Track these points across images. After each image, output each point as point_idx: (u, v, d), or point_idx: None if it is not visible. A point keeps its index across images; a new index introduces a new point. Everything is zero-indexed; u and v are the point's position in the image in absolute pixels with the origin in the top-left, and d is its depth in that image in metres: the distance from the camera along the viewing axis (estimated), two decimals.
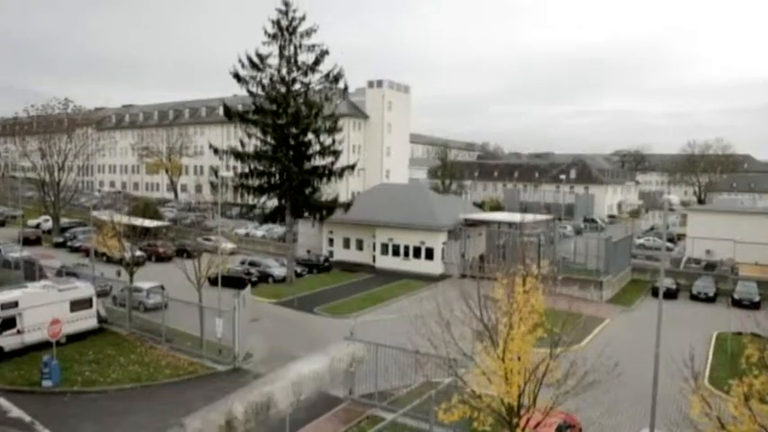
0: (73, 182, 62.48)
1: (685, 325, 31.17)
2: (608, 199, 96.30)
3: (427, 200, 48.71)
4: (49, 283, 27.67)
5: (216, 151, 40.50)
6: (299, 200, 40.07)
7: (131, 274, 29.77)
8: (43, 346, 23.05)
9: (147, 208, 60.93)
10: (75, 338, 25.59)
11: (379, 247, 46.71)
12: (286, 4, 38.05)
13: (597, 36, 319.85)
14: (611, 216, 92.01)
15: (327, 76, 39.13)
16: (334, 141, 40.50)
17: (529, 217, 49.74)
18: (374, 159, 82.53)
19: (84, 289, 27.15)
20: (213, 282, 30.15)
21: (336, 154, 40.67)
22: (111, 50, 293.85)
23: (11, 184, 70.82)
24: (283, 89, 38.64)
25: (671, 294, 37.76)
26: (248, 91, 39.28)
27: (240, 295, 25.06)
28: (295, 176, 38.85)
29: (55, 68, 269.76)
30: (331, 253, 49.35)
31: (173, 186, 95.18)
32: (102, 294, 31.10)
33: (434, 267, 44.10)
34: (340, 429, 18.85)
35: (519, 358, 11.47)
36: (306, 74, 39.01)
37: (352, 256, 48.50)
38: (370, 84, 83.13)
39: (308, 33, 38.29)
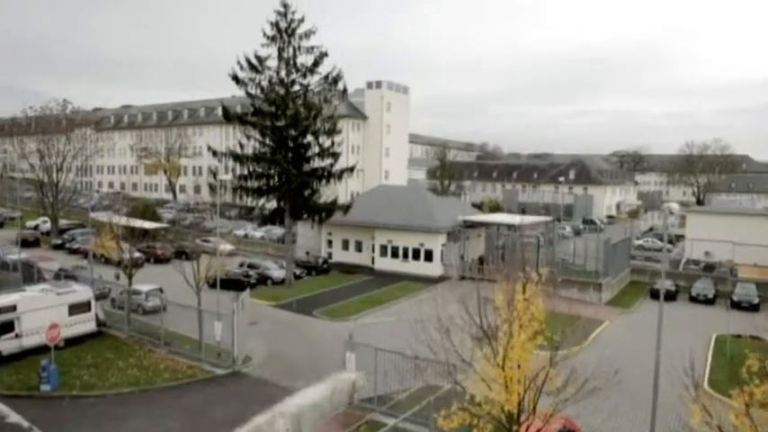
0: (71, 183, 62.37)
1: (684, 327, 31.17)
2: (607, 199, 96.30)
3: (426, 202, 48.69)
4: (47, 286, 27.56)
5: (215, 153, 40.41)
6: (298, 202, 40.01)
7: (130, 277, 29.70)
8: (41, 349, 22.95)
9: (146, 209, 60.92)
10: (73, 342, 25.52)
11: (378, 249, 46.68)
12: (285, 6, 38.00)
13: (597, 36, 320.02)
14: (610, 217, 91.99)
15: (326, 77, 39.07)
16: (333, 143, 40.44)
17: (528, 219, 49.87)
18: (373, 160, 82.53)
19: (82, 292, 27.08)
20: (212, 284, 30.09)
21: (336, 156, 40.61)
22: (111, 50, 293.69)
23: (9, 184, 70.60)
24: (282, 91, 38.57)
25: (670, 296, 37.75)
26: (247, 93, 39.21)
27: (239, 298, 25.01)
28: (294, 179, 38.80)
29: (55, 68, 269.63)
30: (330, 254, 49.30)
31: (171, 187, 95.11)
32: (100, 297, 31.07)
33: (434, 269, 44.06)
34: None
35: (519, 366, 11.44)
36: (305, 76, 38.95)
37: (351, 257, 48.46)
38: (369, 85, 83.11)
39: (307, 35, 38.24)
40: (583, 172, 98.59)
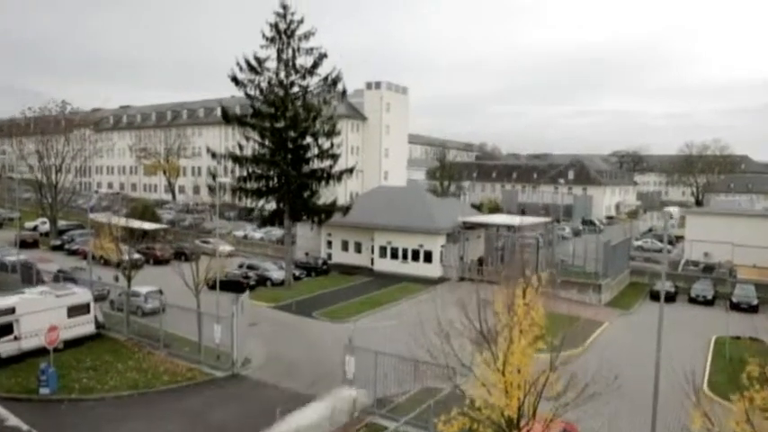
0: (70, 184, 62.30)
1: (684, 329, 31.17)
2: (606, 200, 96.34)
3: (426, 203, 48.67)
4: (46, 288, 27.52)
5: (214, 155, 40.37)
6: (297, 203, 39.96)
7: (129, 279, 29.64)
8: (40, 352, 22.87)
9: (146, 210, 60.85)
10: (72, 344, 25.45)
11: (377, 250, 46.65)
12: (284, 8, 37.91)
13: (597, 36, 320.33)
14: (609, 217, 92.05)
15: (326, 79, 39.00)
16: (332, 145, 40.38)
17: (527, 220, 49.87)
18: (372, 161, 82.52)
19: (81, 294, 27.03)
20: (212, 285, 30.01)
21: (335, 157, 40.55)
22: (111, 50, 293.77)
23: (8, 185, 70.50)
24: (281, 92, 38.50)
25: (669, 297, 37.72)
26: (246, 94, 39.14)
27: (238, 301, 24.97)
28: (293, 180, 38.75)
29: (55, 68, 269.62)
30: (329, 255, 49.27)
31: (170, 187, 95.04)
32: (99, 299, 31.02)
33: (433, 270, 44.04)
34: None
35: (519, 371, 11.43)
36: (304, 77, 38.88)
37: (350, 258, 48.44)
38: (369, 85, 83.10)
39: (307, 36, 38.17)
40: (582, 172, 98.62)
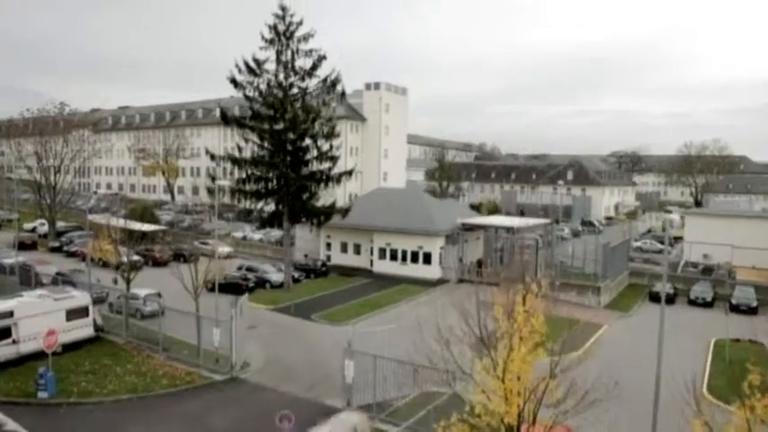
0: (69, 185, 62.17)
1: (683, 331, 31.16)
2: (605, 200, 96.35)
3: (425, 204, 48.63)
4: (44, 291, 27.44)
5: (213, 157, 40.31)
6: (296, 205, 39.90)
7: (128, 282, 29.56)
8: (39, 355, 22.81)
9: (145, 211, 60.76)
10: (71, 348, 25.38)
11: (376, 252, 46.61)
12: (283, 9, 37.85)
13: (597, 36, 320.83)
14: (608, 218, 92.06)
15: (325, 81, 38.95)
16: (331, 147, 40.34)
17: (526, 221, 49.89)
18: (371, 161, 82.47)
19: (80, 298, 26.94)
20: (211, 287, 29.92)
21: (334, 159, 40.49)
22: (111, 50, 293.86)
23: (7, 186, 70.35)
24: (280, 94, 38.43)
25: (669, 299, 37.65)
26: (245, 96, 39.09)
27: (237, 304, 24.89)
28: (292, 182, 38.68)
29: (55, 68, 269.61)
30: (328, 257, 49.22)
31: (169, 188, 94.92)
32: (98, 301, 30.91)
33: (432, 272, 44.01)
34: None
35: (519, 378, 11.39)
36: (303, 79, 38.82)
37: (349, 260, 48.39)
38: (368, 86, 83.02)
39: (306, 38, 38.10)
40: (581, 173, 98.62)
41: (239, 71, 37.98)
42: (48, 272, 37.20)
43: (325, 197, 41.98)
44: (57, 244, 53.68)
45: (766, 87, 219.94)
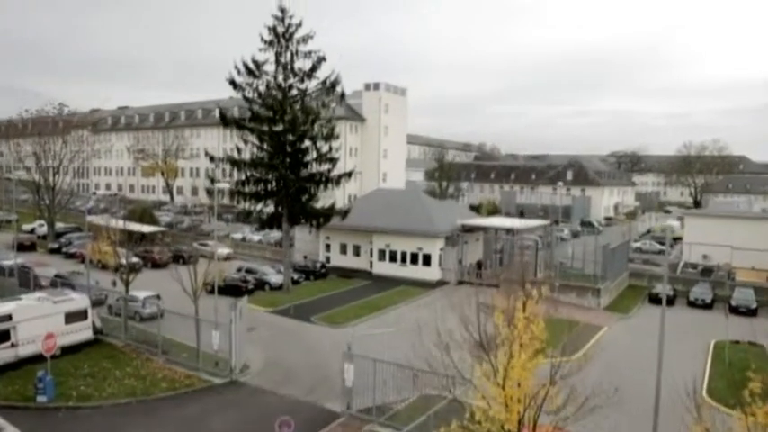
0: (68, 185, 62.07)
1: (683, 333, 31.15)
2: (604, 201, 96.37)
3: (424, 206, 48.59)
4: (43, 294, 27.36)
5: (212, 159, 40.27)
6: (295, 207, 39.84)
7: (127, 284, 29.51)
8: (38, 359, 22.73)
9: (144, 213, 60.70)
10: (70, 351, 25.29)
11: (376, 253, 46.57)
12: (282, 11, 37.79)
13: (597, 36, 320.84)
14: (608, 218, 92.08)
15: (324, 82, 38.90)
16: (331, 149, 40.28)
17: (525, 223, 49.89)
18: (371, 162, 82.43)
19: (79, 300, 26.88)
20: (210, 289, 29.87)
21: (334, 161, 40.45)
22: (111, 50, 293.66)
23: (5, 186, 70.24)
24: (280, 96, 38.36)
25: (668, 301, 37.55)
26: (244, 97, 39.02)
27: (237, 307, 24.83)
28: (292, 184, 38.62)
29: (55, 68, 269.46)
30: (328, 258, 49.18)
31: (169, 189, 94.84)
32: (97, 303, 30.88)
33: (432, 273, 43.97)
34: None
35: (519, 385, 11.36)
36: (302, 80, 38.76)
37: (348, 261, 48.35)
38: (367, 86, 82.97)
39: (305, 40, 38.04)
40: (580, 173, 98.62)
41: (238, 73, 37.94)
42: (46, 274, 37.11)
43: (324, 198, 41.93)
44: (56, 245, 53.59)
45: (765, 87, 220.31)
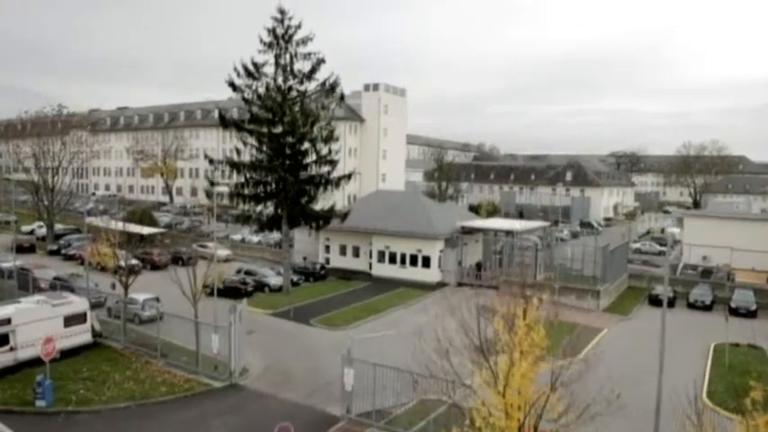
0: (67, 186, 61.96)
1: (683, 335, 31.09)
2: (604, 201, 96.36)
3: (424, 207, 48.52)
4: (42, 297, 27.31)
5: (211, 161, 40.19)
6: (295, 209, 39.77)
7: (126, 287, 29.46)
8: (37, 362, 22.64)
9: (144, 215, 60.62)
10: (69, 354, 25.24)
11: (375, 255, 46.50)
12: (281, 12, 37.71)
13: (597, 36, 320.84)
14: (607, 219, 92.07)
15: (324, 84, 38.84)
16: (330, 150, 40.20)
17: (525, 224, 49.87)
18: (370, 163, 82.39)
19: (78, 303, 26.83)
20: (210, 292, 29.82)
21: (333, 163, 40.38)
22: (111, 50, 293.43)
23: (4, 187, 70.13)
24: (279, 98, 38.27)
25: (668, 303, 37.54)
26: (244, 99, 38.94)
27: (236, 310, 24.79)
28: (291, 186, 38.55)
29: (55, 68, 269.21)
30: (327, 260, 49.10)
31: (168, 189, 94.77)
32: (96, 306, 30.85)
33: (431, 275, 43.92)
34: None
35: (519, 392, 11.32)
36: (302, 82, 38.69)
37: (348, 263, 48.28)
38: (367, 87, 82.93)
39: (304, 42, 37.96)
40: (580, 173, 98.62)
41: (238, 75, 37.85)
42: (45, 276, 37.07)
43: (324, 200, 41.84)
44: (55, 247, 53.51)
45: (765, 87, 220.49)
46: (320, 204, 41.54)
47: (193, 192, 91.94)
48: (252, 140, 39.63)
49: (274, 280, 40.99)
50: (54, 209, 58.30)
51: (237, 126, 40.04)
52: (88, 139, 72.61)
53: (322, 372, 25.05)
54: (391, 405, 20.28)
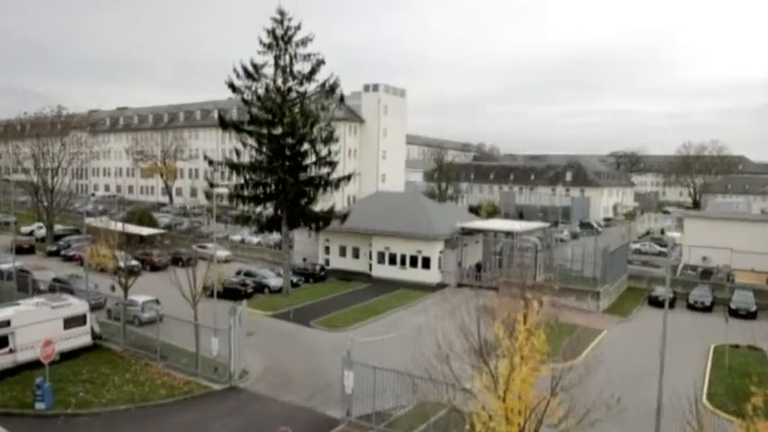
0: (67, 187, 61.88)
1: (682, 336, 31.04)
2: (604, 201, 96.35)
3: (424, 208, 48.48)
4: (42, 299, 27.27)
5: (211, 162, 40.14)
6: (294, 210, 39.72)
7: (126, 289, 29.41)
8: (36, 364, 22.64)
9: (143, 215, 60.59)
10: (68, 356, 25.23)
11: (375, 256, 46.45)
12: (281, 14, 37.65)
13: (597, 36, 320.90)
14: (607, 219, 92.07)
15: (323, 85, 38.78)
16: (330, 152, 40.16)
17: (525, 225, 49.84)
18: (370, 163, 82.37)
19: (77, 305, 26.79)
20: (209, 293, 29.74)
21: (333, 164, 40.32)
22: (111, 50, 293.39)
23: (4, 188, 70.05)
24: (279, 99, 38.23)
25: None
26: (243, 100, 38.90)
27: (236, 312, 24.76)
28: (291, 187, 38.50)
29: (55, 68, 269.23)
30: (327, 261, 49.06)
31: (168, 190, 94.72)
32: (96, 307, 30.80)
33: (431, 276, 43.89)
34: None
35: (520, 397, 11.30)
36: (301, 83, 38.63)
37: (348, 264, 48.23)
38: (366, 88, 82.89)
39: (304, 42, 37.90)
40: (579, 173, 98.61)
41: (237, 76, 37.78)
42: (45, 278, 37.00)
43: (324, 201, 41.81)
44: (54, 248, 53.45)
45: (765, 87, 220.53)
46: (320, 205, 41.49)
47: (193, 192, 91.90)
48: (251, 141, 39.58)
49: (274, 281, 40.95)
50: (53, 210, 58.25)
51: (237, 127, 40.00)
52: (88, 139, 72.52)
53: (322, 373, 25.02)
54: (391, 408, 20.27)
